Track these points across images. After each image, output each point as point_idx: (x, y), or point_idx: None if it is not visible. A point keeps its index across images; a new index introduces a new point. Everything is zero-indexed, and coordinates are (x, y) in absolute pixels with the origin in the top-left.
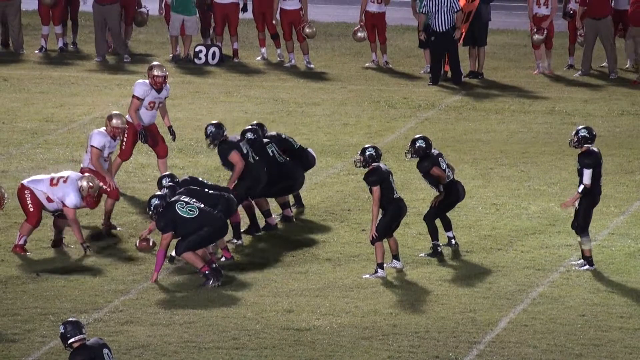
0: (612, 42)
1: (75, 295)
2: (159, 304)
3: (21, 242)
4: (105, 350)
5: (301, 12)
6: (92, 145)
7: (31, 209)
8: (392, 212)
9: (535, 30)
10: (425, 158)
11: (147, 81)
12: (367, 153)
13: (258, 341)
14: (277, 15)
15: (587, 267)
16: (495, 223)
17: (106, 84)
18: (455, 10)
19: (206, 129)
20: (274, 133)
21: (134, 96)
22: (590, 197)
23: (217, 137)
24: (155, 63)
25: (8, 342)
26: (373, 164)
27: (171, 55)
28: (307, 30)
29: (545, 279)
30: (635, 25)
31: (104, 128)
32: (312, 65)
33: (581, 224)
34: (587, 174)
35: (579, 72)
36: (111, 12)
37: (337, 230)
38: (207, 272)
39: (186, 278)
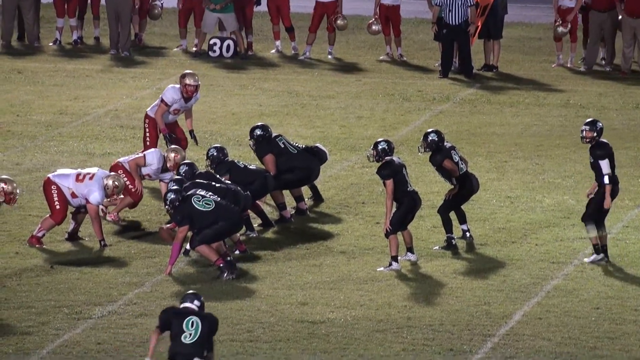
0: (613, 35)
1: (90, 287)
2: (173, 296)
3: (39, 234)
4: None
5: (337, 4)
6: (162, 99)
7: (57, 207)
8: (406, 204)
9: (559, 22)
10: (438, 151)
11: (178, 87)
12: (380, 147)
13: (272, 334)
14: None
15: (595, 256)
16: (509, 216)
17: (121, 76)
18: (470, 4)
19: (209, 150)
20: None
21: (162, 100)
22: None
23: (215, 160)
24: (188, 71)
25: (22, 335)
26: (386, 157)
27: (194, 49)
28: (340, 22)
29: (560, 271)
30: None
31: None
32: (330, 57)
33: (589, 212)
34: (605, 164)
35: (584, 67)
36: (124, 5)
37: (351, 223)
38: (221, 265)
39: (200, 271)
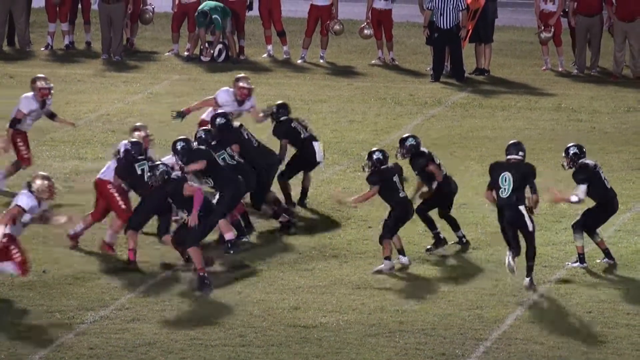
0: (600, 39)
1: (82, 292)
2: (166, 301)
3: (112, 240)
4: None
5: (332, 9)
6: (215, 100)
7: (123, 206)
8: (398, 212)
9: (542, 28)
10: (419, 155)
11: (231, 90)
12: (375, 157)
13: (264, 338)
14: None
15: (578, 264)
16: None
17: (112, 81)
18: (461, 8)
19: (175, 143)
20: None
21: (215, 102)
22: (603, 205)
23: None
24: (241, 75)
25: (15, 340)
26: (381, 167)
27: (186, 54)
28: (337, 27)
29: (552, 275)
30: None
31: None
32: (322, 61)
33: (580, 222)
34: (582, 189)
35: (575, 71)
36: (116, 10)
37: (343, 227)
38: (202, 275)
39: (193, 276)
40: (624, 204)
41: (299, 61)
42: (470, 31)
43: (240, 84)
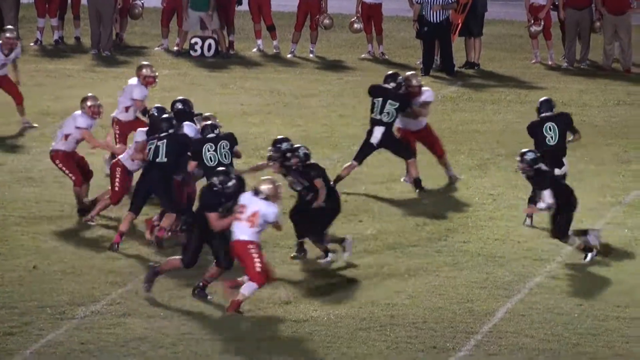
0: (589, 33)
1: (73, 287)
2: (157, 296)
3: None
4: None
5: (321, 3)
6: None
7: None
8: (331, 205)
9: (532, 21)
10: (312, 167)
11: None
12: (302, 152)
13: (256, 333)
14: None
15: (592, 254)
16: (492, 213)
17: (102, 76)
18: (451, 1)
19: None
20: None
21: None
22: (567, 206)
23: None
24: (411, 73)
25: (5, 335)
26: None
27: (176, 49)
28: (326, 21)
29: (542, 268)
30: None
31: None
32: (312, 55)
33: (561, 230)
34: (547, 194)
35: (565, 64)
36: (106, 5)
37: (333, 221)
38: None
39: (183, 271)
40: (613, 196)
41: (289, 55)
42: (460, 25)
43: (413, 82)
